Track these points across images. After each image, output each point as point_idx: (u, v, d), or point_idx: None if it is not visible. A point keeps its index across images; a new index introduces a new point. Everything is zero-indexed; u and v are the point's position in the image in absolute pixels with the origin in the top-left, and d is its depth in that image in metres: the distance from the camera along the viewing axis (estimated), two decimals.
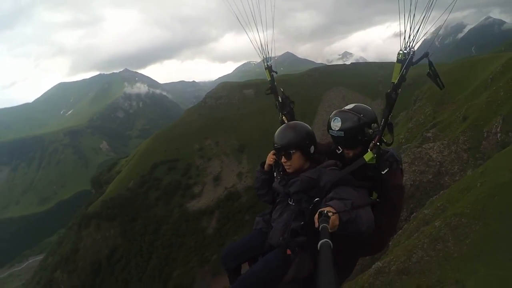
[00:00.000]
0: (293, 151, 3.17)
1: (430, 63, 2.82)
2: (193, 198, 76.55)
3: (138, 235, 72.63)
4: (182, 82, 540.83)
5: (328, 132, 3.25)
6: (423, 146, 22.89)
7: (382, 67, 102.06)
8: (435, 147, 21.81)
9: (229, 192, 75.85)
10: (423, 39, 2.73)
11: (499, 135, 19.14)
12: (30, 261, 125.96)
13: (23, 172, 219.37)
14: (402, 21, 2.60)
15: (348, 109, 3.21)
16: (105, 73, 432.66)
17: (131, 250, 70.64)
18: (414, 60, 2.73)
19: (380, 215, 2.95)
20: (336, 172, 3.02)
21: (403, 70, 2.74)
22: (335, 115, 3.19)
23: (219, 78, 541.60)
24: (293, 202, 3.18)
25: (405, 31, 2.65)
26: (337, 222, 2.33)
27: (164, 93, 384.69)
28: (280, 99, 4.04)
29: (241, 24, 3.76)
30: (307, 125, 3.35)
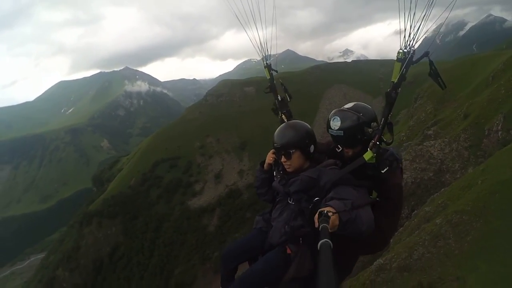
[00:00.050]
0: (293, 150, 3.15)
1: (431, 62, 2.79)
2: (194, 195, 76.62)
3: (140, 233, 72.80)
4: (182, 80, 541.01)
5: (328, 131, 3.23)
6: (424, 143, 22.88)
7: (383, 64, 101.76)
8: (436, 145, 21.80)
9: (230, 189, 75.83)
10: (423, 37, 2.71)
11: (500, 133, 19.08)
12: (31, 259, 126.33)
13: (25, 170, 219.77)
14: (402, 19, 2.58)
15: (347, 108, 3.19)
16: (106, 71, 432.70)
17: (132, 248, 70.82)
18: (414, 59, 2.70)
19: (380, 215, 2.95)
20: (336, 172, 3.01)
21: (403, 69, 2.72)
22: (335, 114, 3.17)
23: (220, 75, 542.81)
24: (293, 202, 3.16)
25: (405, 29, 2.62)
26: (337, 222, 2.33)
27: (165, 91, 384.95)
28: (279, 97, 4.01)
29: (240, 23, 3.73)
30: (306, 124, 3.34)
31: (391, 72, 2.81)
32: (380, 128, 2.95)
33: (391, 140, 3.01)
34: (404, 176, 20.37)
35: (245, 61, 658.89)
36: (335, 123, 3.12)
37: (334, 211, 2.35)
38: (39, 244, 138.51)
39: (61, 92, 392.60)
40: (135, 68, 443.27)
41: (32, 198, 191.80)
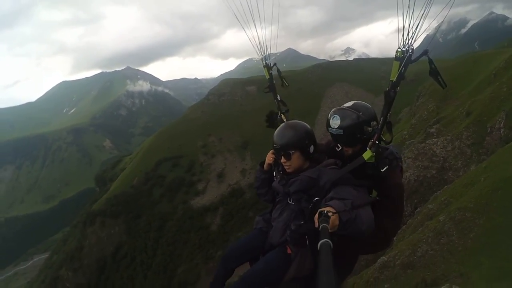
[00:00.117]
0: (293, 151, 3.14)
1: (430, 61, 2.75)
2: (197, 195, 76.64)
3: (143, 232, 72.87)
4: (184, 79, 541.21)
5: (327, 129, 3.22)
6: (427, 141, 22.88)
7: (385, 62, 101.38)
8: (438, 143, 21.79)
9: (233, 188, 75.83)
10: (424, 35, 2.69)
11: (502, 130, 19.05)
12: (35, 259, 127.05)
13: (27, 170, 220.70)
14: (400, 18, 2.56)
15: (347, 107, 3.18)
16: (107, 71, 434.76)
17: (136, 247, 70.92)
18: (413, 58, 2.67)
19: (380, 214, 2.94)
20: (335, 171, 3.00)
21: (402, 68, 2.69)
22: (334, 113, 3.15)
23: (221, 75, 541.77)
24: (293, 202, 3.16)
25: (403, 28, 2.60)
26: (337, 222, 2.32)
27: (167, 91, 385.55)
28: (279, 97, 4.00)
29: (239, 22, 3.72)
30: (306, 124, 3.32)
31: None
32: (379, 127, 2.93)
33: (390, 140, 2.98)
34: (407, 174, 20.49)
35: (247, 60, 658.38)
36: (335, 122, 3.11)
37: (334, 211, 2.34)
38: (42, 244, 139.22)
39: (63, 92, 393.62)
40: (136, 68, 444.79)
41: (35, 198, 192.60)
